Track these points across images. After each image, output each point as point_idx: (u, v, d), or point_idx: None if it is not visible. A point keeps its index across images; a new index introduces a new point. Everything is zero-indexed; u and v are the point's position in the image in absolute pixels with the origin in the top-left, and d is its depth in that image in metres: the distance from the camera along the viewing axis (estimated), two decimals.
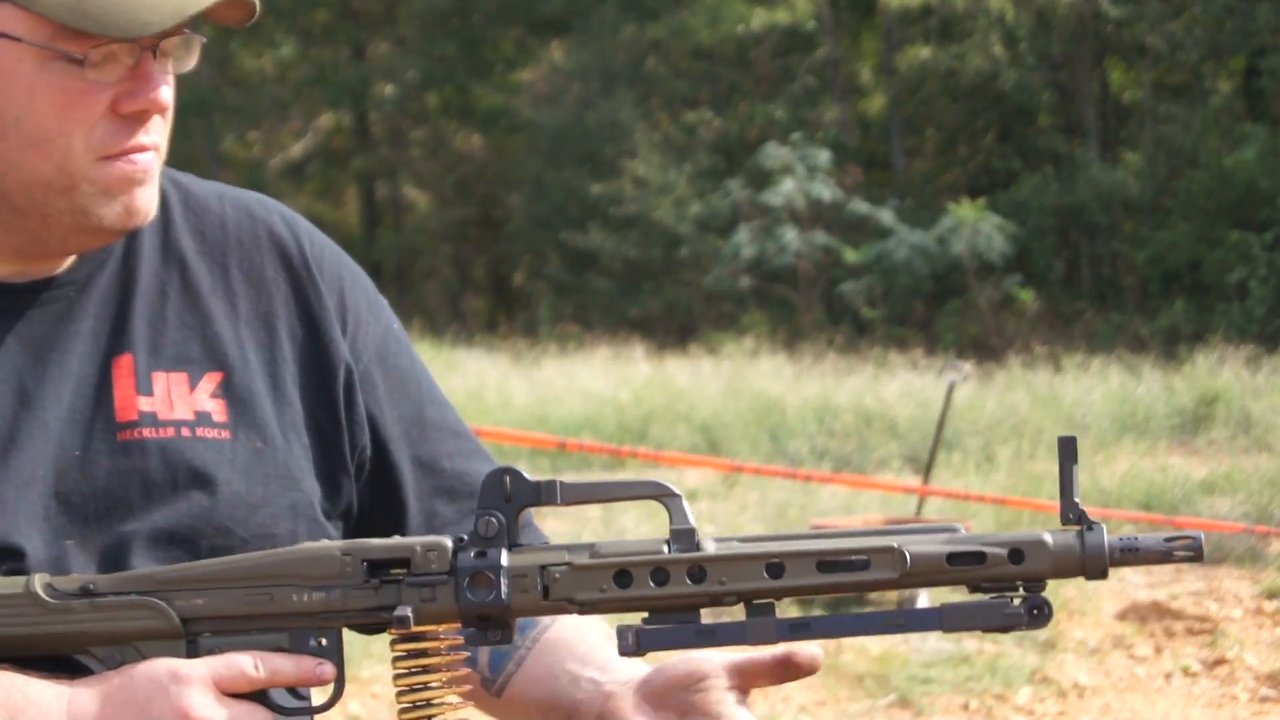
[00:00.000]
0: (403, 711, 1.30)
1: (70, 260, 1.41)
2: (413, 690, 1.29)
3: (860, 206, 22.49)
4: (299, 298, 1.47)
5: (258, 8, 1.36)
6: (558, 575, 1.24)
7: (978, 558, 1.25)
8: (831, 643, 6.97)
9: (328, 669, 1.28)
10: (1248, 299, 20.31)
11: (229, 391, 1.40)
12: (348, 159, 31.54)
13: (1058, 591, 7.77)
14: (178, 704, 1.23)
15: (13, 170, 1.34)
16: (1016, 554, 1.26)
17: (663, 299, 24.48)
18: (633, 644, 1.24)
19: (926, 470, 8.57)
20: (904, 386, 14.26)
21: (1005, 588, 1.26)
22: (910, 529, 1.28)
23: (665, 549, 1.24)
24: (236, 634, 1.27)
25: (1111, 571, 1.26)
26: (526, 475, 1.23)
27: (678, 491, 1.22)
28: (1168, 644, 7.10)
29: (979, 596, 1.27)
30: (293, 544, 1.39)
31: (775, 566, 1.24)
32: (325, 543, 1.27)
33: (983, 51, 23.94)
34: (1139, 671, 6.68)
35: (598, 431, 12.90)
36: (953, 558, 1.25)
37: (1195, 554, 1.24)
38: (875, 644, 6.99)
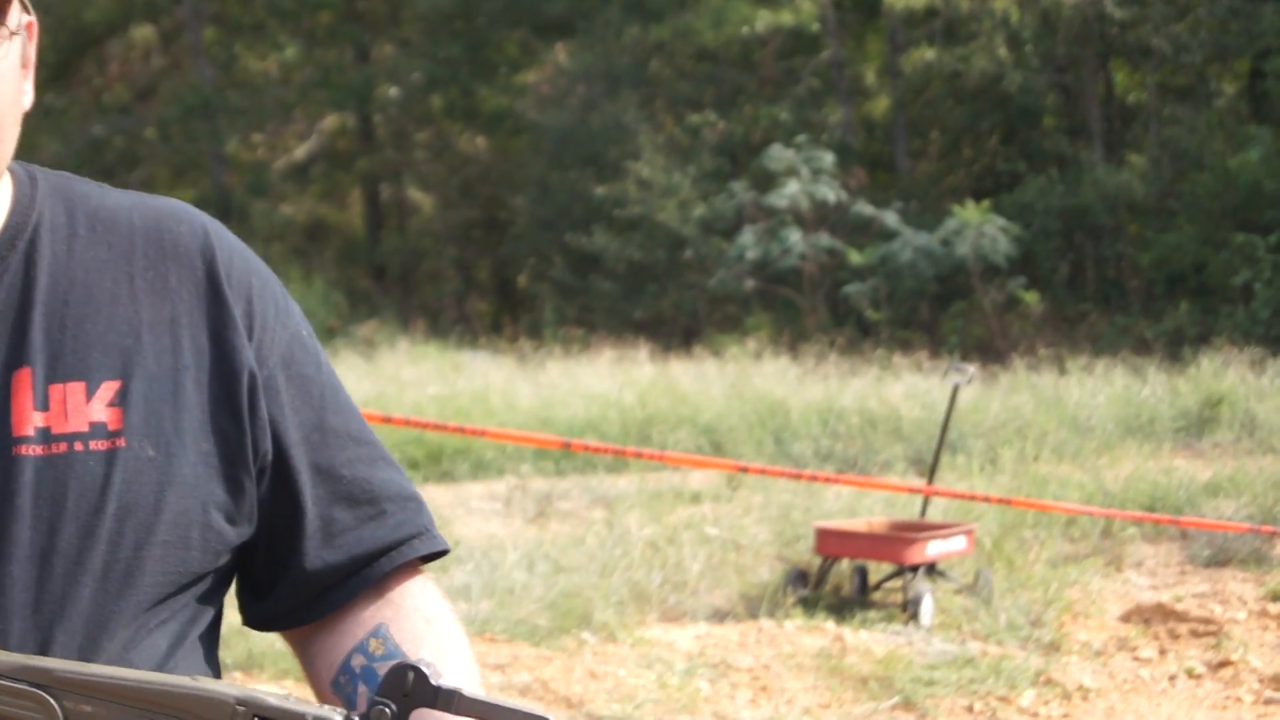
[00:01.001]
0: None
1: None
2: None
3: (865, 208, 22.48)
4: (204, 304, 1.47)
5: None
6: None
7: None
8: (835, 644, 6.96)
9: None
10: (1253, 301, 20.28)
11: (126, 399, 1.40)
12: (352, 161, 31.55)
13: (1062, 593, 7.77)
14: None
15: None
16: None
17: (667, 301, 24.47)
18: None
19: (931, 472, 8.54)
20: (908, 389, 14.25)
21: None
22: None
23: None
24: None
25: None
26: (432, 678, 1.22)
27: None
28: (1172, 646, 7.09)
29: None
30: (185, 551, 1.39)
31: None
32: (225, 686, 1.25)
33: (987, 53, 23.93)
34: (1143, 674, 6.67)
35: (602, 434, 12.89)
36: None
37: None
38: (879, 645, 6.98)
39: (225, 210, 30.38)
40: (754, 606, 7.58)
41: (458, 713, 1.21)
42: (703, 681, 6.39)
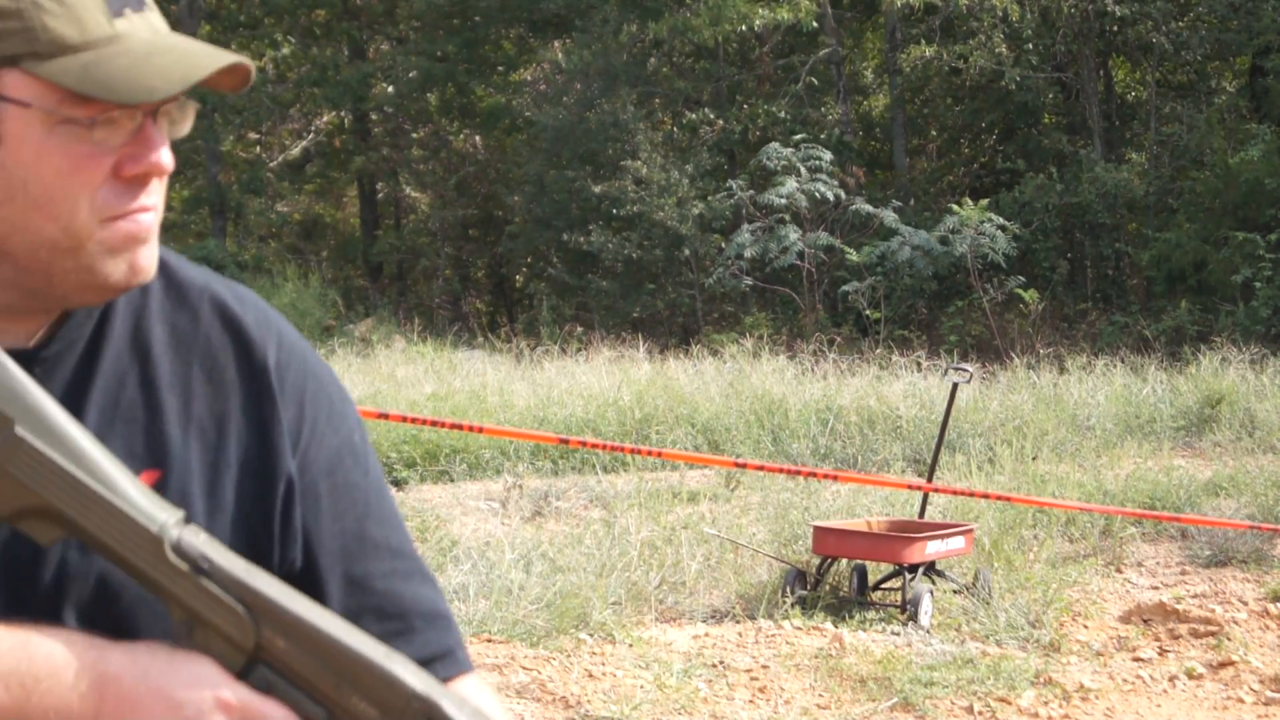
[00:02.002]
0: None
1: (40, 334, 1.42)
2: None
3: (863, 207, 22.44)
4: (255, 404, 1.49)
5: (253, 75, 1.39)
6: None
7: None
8: (833, 644, 6.91)
9: None
10: (1253, 299, 20.25)
11: (162, 491, 1.41)
12: (348, 159, 31.50)
13: (1062, 593, 7.72)
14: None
15: (19, 231, 1.35)
16: None
17: (664, 300, 24.43)
18: None
19: (929, 471, 8.50)
20: (907, 388, 14.21)
21: None
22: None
23: None
24: (289, 688, 1.28)
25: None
26: None
27: None
28: (1172, 646, 7.06)
29: None
30: None
31: None
32: (411, 674, 1.28)
33: (986, 50, 23.89)
34: (1143, 674, 6.63)
35: (599, 433, 12.84)
36: None
37: None
38: (878, 646, 6.94)
39: (221, 208, 30.36)
40: (752, 607, 7.53)
41: None
42: (700, 682, 6.35)
